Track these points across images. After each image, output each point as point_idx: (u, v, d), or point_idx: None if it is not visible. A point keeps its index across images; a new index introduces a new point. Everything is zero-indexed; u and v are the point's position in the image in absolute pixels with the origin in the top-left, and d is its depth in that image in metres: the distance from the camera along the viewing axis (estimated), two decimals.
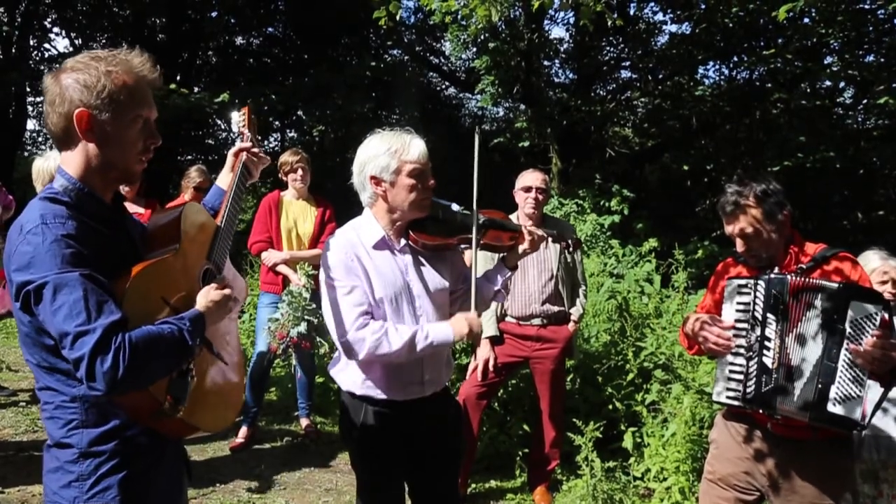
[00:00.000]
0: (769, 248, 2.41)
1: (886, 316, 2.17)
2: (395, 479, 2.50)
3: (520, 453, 4.46)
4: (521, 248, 2.56)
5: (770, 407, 2.31)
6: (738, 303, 2.41)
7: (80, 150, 1.64)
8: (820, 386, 2.22)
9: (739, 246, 2.44)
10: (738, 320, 2.40)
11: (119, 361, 1.43)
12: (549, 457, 4.10)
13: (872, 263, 3.20)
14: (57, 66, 1.71)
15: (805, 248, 2.46)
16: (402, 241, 2.42)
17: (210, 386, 1.81)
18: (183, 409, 1.63)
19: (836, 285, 2.24)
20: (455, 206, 2.53)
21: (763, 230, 2.37)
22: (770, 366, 2.31)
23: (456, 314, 2.37)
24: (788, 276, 2.33)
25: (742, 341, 2.38)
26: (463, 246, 2.55)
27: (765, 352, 2.33)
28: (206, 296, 1.73)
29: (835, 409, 2.20)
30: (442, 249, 2.48)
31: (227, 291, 1.78)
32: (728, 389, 2.40)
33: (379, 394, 2.39)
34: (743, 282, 2.42)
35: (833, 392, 2.20)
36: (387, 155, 2.30)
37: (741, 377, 2.36)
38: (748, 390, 2.34)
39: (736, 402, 2.39)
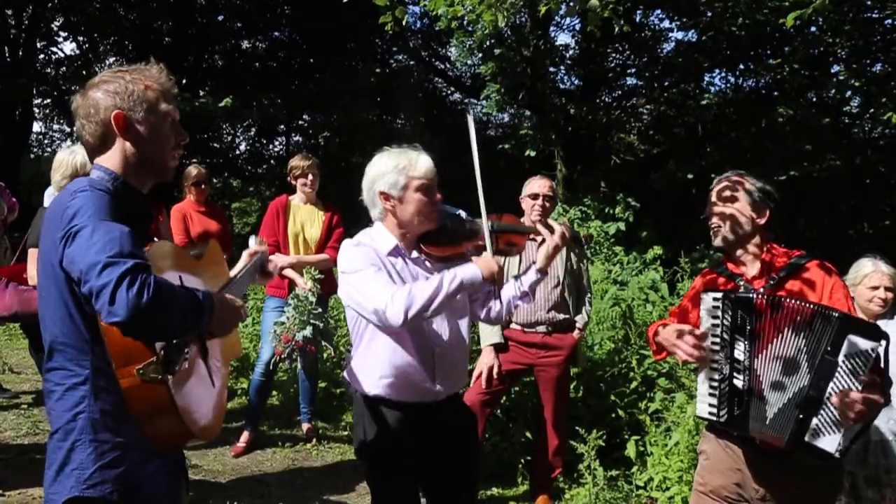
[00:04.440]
0: (736, 225, 2.42)
1: (882, 352, 2.06)
2: (409, 491, 2.48)
3: (522, 461, 4.44)
4: (548, 248, 2.55)
5: (744, 429, 2.25)
6: (713, 317, 2.32)
7: (116, 149, 1.74)
8: (800, 415, 2.12)
9: (709, 208, 2.53)
10: (713, 335, 2.32)
11: (144, 291, 1.43)
12: (552, 465, 4.08)
13: (864, 269, 3.20)
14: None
15: (779, 257, 2.41)
16: (415, 253, 2.49)
17: (197, 391, 1.76)
18: (171, 380, 1.56)
19: (836, 314, 2.11)
20: (463, 214, 2.57)
21: (739, 206, 2.44)
22: (741, 388, 2.23)
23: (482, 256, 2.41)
24: (754, 295, 2.25)
25: (718, 357, 2.30)
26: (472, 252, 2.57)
27: (735, 374, 2.25)
28: (222, 296, 1.74)
29: (812, 440, 2.12)
30: (453, 259, 2.52)
31: (242, 305, 1.81)
32: (710, 406, 2.33)
33: (392, 394, 2.43)
34: (712, 296, 2.33)
35: (813, 424, 2.11)
36: (395, 172, 2.39)
37: (716, 396, 2.29)
38: (721, 413, 2.28)
39: (715, 420, 2.33)
